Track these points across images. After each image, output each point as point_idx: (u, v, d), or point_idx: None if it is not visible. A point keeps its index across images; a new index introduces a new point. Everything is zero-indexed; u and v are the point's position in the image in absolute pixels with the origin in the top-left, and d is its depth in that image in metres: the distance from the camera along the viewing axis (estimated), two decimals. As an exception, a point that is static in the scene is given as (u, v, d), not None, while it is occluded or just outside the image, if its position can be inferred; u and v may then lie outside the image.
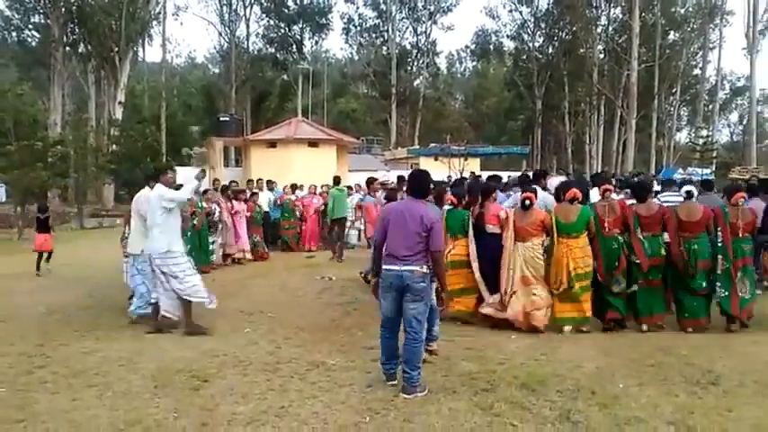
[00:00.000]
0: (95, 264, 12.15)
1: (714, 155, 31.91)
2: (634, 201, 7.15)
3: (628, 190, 7.71)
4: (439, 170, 20.79)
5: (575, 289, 6.54)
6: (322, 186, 15.50)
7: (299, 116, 31.74)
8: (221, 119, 28.58)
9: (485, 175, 13.09)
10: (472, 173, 20.13)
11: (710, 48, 41.52)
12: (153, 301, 6.70)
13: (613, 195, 7.36)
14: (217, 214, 11.47)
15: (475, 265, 6.90)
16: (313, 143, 24.27)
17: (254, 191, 14.03)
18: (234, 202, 12.34)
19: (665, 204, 7.22)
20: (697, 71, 43.74)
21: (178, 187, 6.84)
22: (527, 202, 6.74)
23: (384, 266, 4.89)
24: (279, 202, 14.42)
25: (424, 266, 4.77)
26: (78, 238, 18.43)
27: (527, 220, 6.70)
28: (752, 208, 7.37)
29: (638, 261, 6.61)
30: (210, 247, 11.30)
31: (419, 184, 5.03)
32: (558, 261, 6.58)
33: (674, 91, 43.09)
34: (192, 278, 6.59)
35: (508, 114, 51.50)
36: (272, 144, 24.43)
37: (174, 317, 6.59)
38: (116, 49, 32.62)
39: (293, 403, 4.55)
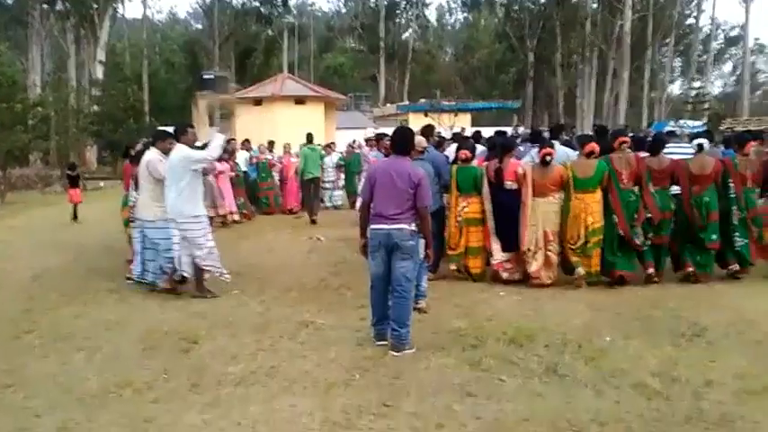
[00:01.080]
0: (79, 227, 12.08)
1: (706, 107, 31.85)
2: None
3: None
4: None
5: (589, 245, 6.55)
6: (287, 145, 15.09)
7: (284, 72, 31.29)
8: (205, 76, 28.08)
9: (473, 130, 12.85)
10: (462, 128, 19.99)
11: (705, -4, 41.05)
12: (169, 265, 6.48)
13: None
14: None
15: (490, 223, 6.88)
16: (300, 100, 23.94)
17: (232, 150, 13.50)
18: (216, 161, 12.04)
19: (671, 157, 7.11)
20: (691, 20, 43.29)
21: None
22: (548, 158, 6.66)
23: (372, 226, 4.85)
24: (254, 161, 14.11)
25: (413, 224, 4.75)
26: (62, 202, 18.22)
27: (546, 177, 6.65)
28: (761, 158, 7.34)
29: (649, 215, 6.59)
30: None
31: (403, 142, 4.97)
32: (575, 216, 6.55)
33: (667, 41, 42.65)
34: (210, 244, 6.44)
35: (499, 67, 50.86)
36: (258, 102, 24.09)
37: (188, 275, 6.49)
38: (95, 6, 31.80)
39: (283, 363, 4.57)
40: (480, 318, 5.65)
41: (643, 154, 6.95)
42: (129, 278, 7.08)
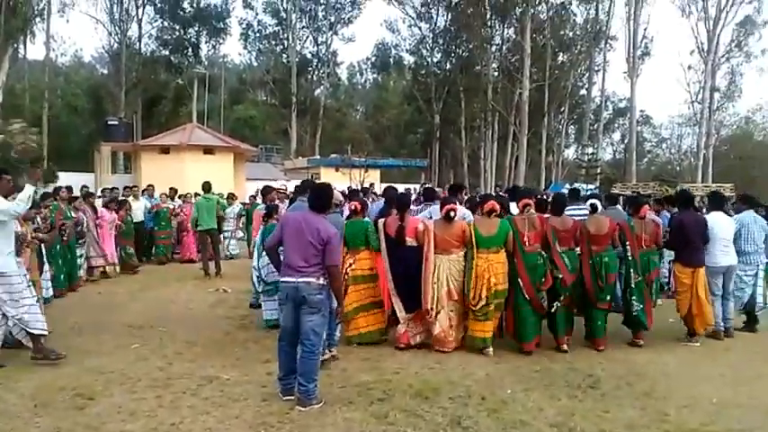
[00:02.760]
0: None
1: (598, 171, 34.02)
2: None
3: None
4: (340, 181, 20.89)
5: (491, 307, 6.31)
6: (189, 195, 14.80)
7: (194, 122, 30.83)
8: (109, 122, 27.22)
9: (383, 186, 13.13)
10: (371, 184, 20.37)
11: (596, 70, 44.29)
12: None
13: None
14: (85, 224, 10.54)
15: (390, 284, 6.56)
16: (209, 150, 23.66)
17: (123, 198, 13.11)
18: (102, 209, 11.58)
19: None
20: (583, 92, 46.56)
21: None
22: (451, 213, 6.47)
23: (281, 278, 4.86)
24: (154, 209, 13.73)
25: (321, 278, 4.76)
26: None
27: (448, 232, 6.46)
28: (655, 220, 7.67)
29: (560, 276, 6.47)
30: (79, 261, 10.29)
31: (321, 198, 4.98)
32: (479, 276, 6.29)
33: (562, 110, 45.55)
34: (27, 301, 5.72)
35: (408, 127, 52.45)
36: (165, 150, 23.58)
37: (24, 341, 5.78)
38: (-6, 44, 30.30)
39: (185, 420, 4.42)
40: (387, 371, 5.70)
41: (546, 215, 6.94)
42: None
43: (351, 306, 6.54)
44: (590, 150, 39.77)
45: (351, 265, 6.65)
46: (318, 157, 37.64)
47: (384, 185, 16.21)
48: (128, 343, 6.56)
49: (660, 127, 62.22)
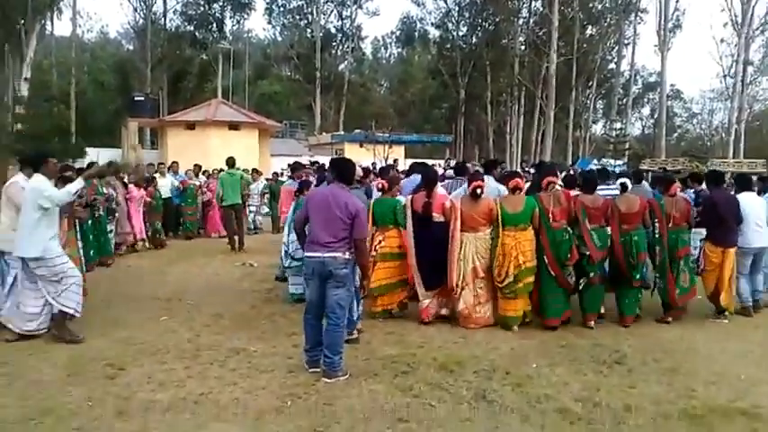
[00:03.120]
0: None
1: (627, 146, 33.49)
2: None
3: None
4: (364, 157, 20.87)
5: (519, 285, 6.28)
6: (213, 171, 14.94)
7: (219, 97, 30.99)
8: (136, 98, 27.51)
9: (407, 162, 13.10)
10: (395, 160, 20.31)
11: (625, 43, 43.41)
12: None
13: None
14: (116, 200, 10.62)
15: (412, 260, 6.55)
16: (234, 126, 23.79)
17: (153, 175, 13.15)
18: (131, 186, 11.68)
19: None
20: (612, 65, 45.66)
21: (66, 181, 6.01)
22: (478, 190, 6.43)
23: (306, 253, 4.89)
24: (182, 187, 13.83)
25: (347, 253, 4.79)
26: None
27: (475, 209, 6.43)
28: (686, 198, 7.55)
29: (588, 253, 6.42)
30: (109, 236, 10.33)
31: (344, 172, 5.02)
32: (507, 254, 6.28)
33: (590, 84, 44.79)
34: (70, 281, 5.73)
35: (432, 102, 52.05)
36: (191, 126, 23.78)
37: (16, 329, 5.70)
38: (22, 21, 30.63)
39: (213, 390, 4.50)
40: (412, 345, 5.73)
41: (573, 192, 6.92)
42: None
43: (379, 282, 6.56)
44: (618, 125, 39.18)
45: (380, 242, 6.65)
46: (342, 132, 37.66)
47: (409, 161, 16.16)
48: (156, 315, 6.68)
49: (691, 101, 61.04)
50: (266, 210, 15.49)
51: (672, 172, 11.44)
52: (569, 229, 6.48)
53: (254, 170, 15.41)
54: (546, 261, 6.40)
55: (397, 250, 6.67)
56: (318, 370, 4.85)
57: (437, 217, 6.56)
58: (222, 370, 4.96)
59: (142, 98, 27.75)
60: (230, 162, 12.28)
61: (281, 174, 16.44)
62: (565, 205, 6.52)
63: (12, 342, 5.61)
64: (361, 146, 27.72)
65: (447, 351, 5.54)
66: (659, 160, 26.69)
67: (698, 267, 7.23)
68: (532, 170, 11.18)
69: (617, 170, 14.03)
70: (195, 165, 14.97)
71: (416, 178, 7.58)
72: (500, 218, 6.38)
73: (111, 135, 34.74)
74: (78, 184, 5.82)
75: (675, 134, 60.31)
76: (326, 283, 4.79)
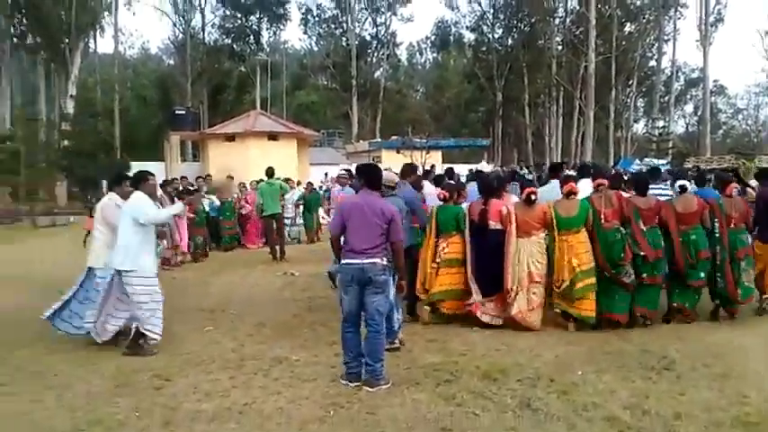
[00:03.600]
0: (49, 262, 11.84)
1: (670, 145, 32.72)
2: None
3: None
4: (401, 163, 20.83)
5: (577, 287, 6.29)
6: (251, 183, 15.05)
7: (257, 109, 31.42)
8: (177, 112, 28.09)
9: (444, 167, 13.03)
10: (432, 165, 20.23)
11: (665, 40, 42.61)
12: (90, 321, 5.83)
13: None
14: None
15: (469, 266, 6.65)
16: (272, 136, 24.08)
17: (194, 188, 13.30)
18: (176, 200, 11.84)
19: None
20: (652, 63, 44.76)
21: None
22: (532, 196, 6.63)
23: (344, 261, 4.90)
24: (220, 201, 13.90)
25: (385, 258, 4.82)
26: (31, 237, 17.90)
27: (529, 214, 6.56)
28: (743, 199, 7.46)
29: (643, 254, 6.43)
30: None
31: (372, 176, 5.09)
32: (560, 258, 6.39)
33: (630, 82, 44.03)
34: (152, 305, 5.76)
35: (469, 106, 51.84)
36: (230, 138, 24.16)
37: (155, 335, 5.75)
38: (66, 40, 31.72)
39: (257, 399, 4.54)
40: (454, 353, 5.68)
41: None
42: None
43: (441, 288, 6.68)
44: (661, 124, 38.32)
45: (444, 248, 6.76)
46: (379, 139, 37.78)
47: (446, 166, 16.08)
48: (201, 326, 6.78)
49: (735, 97, 59.40)
50: (300, 221, 15.49)
51: (711, 171, 11.11)
52: (621, 229, 6.50)
53: (287, 179, 15.41)
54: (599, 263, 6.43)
55: (461, 256, 6.76)
56: (359, 384, 4.84)
57: (494, 225, 6.64)
58: (266, 379, 5.00)
59: (183, 112, 28.32)
60: (269, 172, 12.43)
61: (323, 184, 16.43)
62: (617, 206, 6.58)
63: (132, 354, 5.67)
64: (398, 152, 27.75)
65: (490, 359, 5.47)
66: (704, 158, 25.98)
67: None
68: (533, 172, 11.10)
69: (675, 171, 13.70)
70: (228, 176, 15.05)
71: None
72: (554, 222, 6.47)
73: (153, 149, 35.56)
74: (178, 207, 6.14)
75: (720, 131, 58.70)
76: (365, 290, 4.80)
